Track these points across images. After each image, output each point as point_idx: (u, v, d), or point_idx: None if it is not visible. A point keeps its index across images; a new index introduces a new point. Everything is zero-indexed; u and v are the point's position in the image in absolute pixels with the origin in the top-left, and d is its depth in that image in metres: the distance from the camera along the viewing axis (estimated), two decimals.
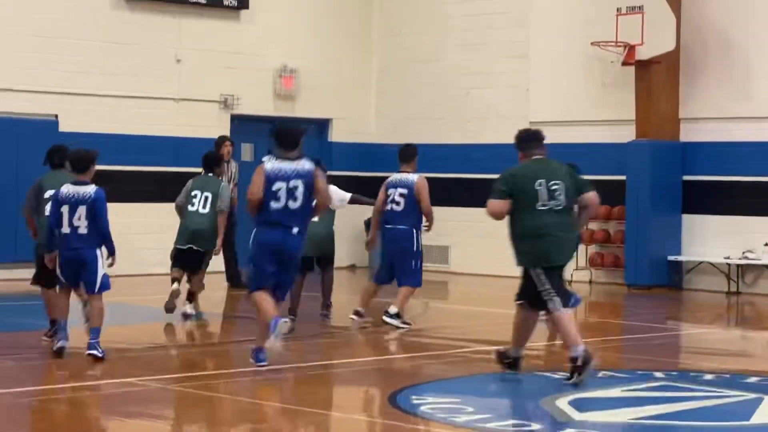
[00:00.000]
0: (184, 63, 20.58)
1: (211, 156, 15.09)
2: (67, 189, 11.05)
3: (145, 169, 20.02)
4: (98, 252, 11.07)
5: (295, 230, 10.71)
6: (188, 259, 14.36)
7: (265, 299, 10.68)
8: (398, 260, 13.77)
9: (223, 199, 14.38)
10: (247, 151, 21.50)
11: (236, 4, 21.08)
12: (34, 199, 11.92)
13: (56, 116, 19.09)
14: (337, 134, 22.51)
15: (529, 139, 10.49)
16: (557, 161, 10.57)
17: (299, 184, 10.74)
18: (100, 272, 11.04)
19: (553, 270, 10.09)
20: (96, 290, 11.04)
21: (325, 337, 13.58)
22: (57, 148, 12.19)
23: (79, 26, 19.35)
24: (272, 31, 21.58)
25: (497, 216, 10.18)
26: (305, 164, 10.90)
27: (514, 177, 10.17)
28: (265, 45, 21.47)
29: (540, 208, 10.04)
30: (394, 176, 13.85)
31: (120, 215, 18.99)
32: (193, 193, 14.38)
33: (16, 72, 18.75)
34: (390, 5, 22.77)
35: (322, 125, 22.51)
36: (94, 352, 10.90)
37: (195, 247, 14.25)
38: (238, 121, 21.31)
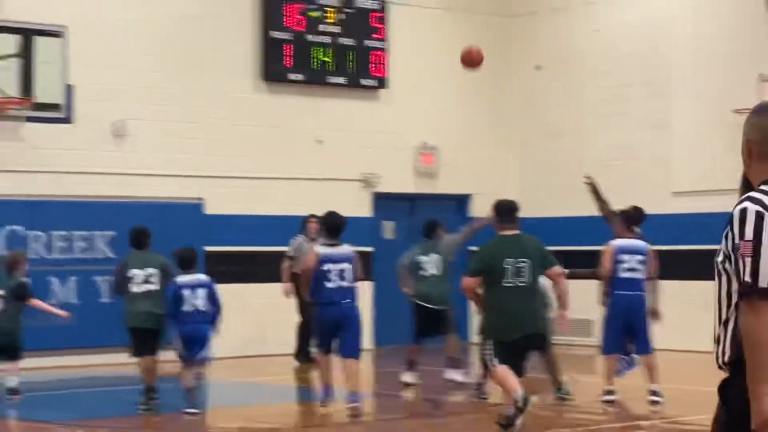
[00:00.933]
0: (325, 143, 20.92)
1: None
2: (182, 278, 12.80)
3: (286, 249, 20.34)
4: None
5: None
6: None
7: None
8: (637, 327, 13.36)
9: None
10: (388, 228, 21.68)
11: (375, 85, 21.40)
12: (120, 277, 13.27)
13: (201, 199, 19.55)
14: (477, 209, 22.56)
15: (505, 212, 11.38)
16: (528, 236, 11.43)
17: None
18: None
19: (512, 343, 10.93)
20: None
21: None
22: (141, 231, 13.66)
23: (222, 110, 19.83)
24: (411, 110, 21.83)
25: (468, 291, 11.26)
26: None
27: (484, 257, 11.24)
28: (405, 123, 21.72)
29: (506, 284, 10.96)
30: (624, 242, 13.56)
31: (265, 296, 19.49)
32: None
33: (162, 157, 19.26)
34: (527, 80, 22.86)
35: (462, 201, 22.60)
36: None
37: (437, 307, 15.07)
38: (379, 199, 21.53)
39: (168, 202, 19.09)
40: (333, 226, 13.01)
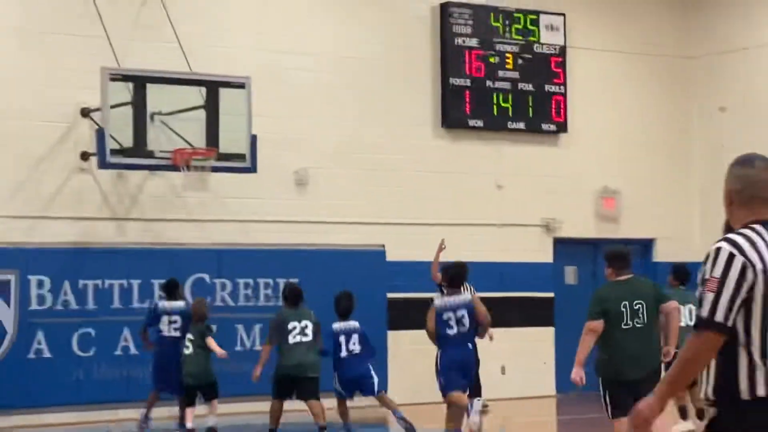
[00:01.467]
0: (505, 189, 20.86)
1: None
2: (338, 325, 14.97)
3: None
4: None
5: None
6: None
7: None
8: None
9: None
10: (570, 274, 21.47)
11: (555, 129, 21.28)
12: (278, 330, 14.95)
13: (383, 246, 19.67)
14: (661, 254, 22.18)
15: (619, 258, 11.53)
16: (642, 278, 11.77)
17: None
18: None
19: (626, 384, 11.01)
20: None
21: None
22: (297, 289, 15.51)
23: (403, 157, 19.96)
24: (592, 154, 21.63)
25: (596, 334, 11.27)
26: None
27: (602, 300, 11.35)
28: (585, 167, 21.51)
29: (624, 327, 11.13)
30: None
31: None
32: None
33: (344, 204, 19.47)
34: (711, 122, 22.43)
35: (646, 245, 22.25)
36: None
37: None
38: (560, 244, 21.35)
39: (350, 249, 19.24)
40: (453, 276, 14.21)
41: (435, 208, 20.21)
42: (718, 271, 4.45)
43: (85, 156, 17.79)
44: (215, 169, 17.52)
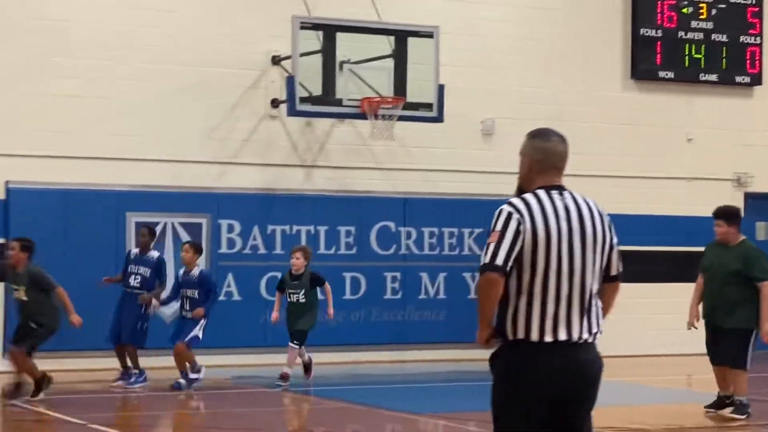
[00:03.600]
0: (695, 142, 20.46)
1: None
2: None
3: (657, 249, 20.02)
4: None
5: None
6: None
7: None
8: None
9: None
10: (761, 229, 20.98)
11: (749, 81, 20.74)
12: None
13: None
14: None
15: None
16: None
17: None
18: None
19: None
20: None
21: None
22: None
23: (590, 109, 19.74)
24: None
25: None
26: None
27: None
28: None
29: None
30: None
31: (632, 296, 19.20)
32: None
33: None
34: None
35: None
36: None
37: None
38: (751, 199, 20.86)
39: None
40: None
41: (622, 160, 19.95)
42: (498, 226, 5.42)
43: (274, 103, 18.10)
44: (402, 118, 17.60)
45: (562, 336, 5.31)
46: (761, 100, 20.90)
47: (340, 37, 17.42)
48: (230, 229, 17.99)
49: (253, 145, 18.16)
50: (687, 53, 20.31)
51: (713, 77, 20.53)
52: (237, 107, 18.04)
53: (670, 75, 20.26)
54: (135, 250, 15.58)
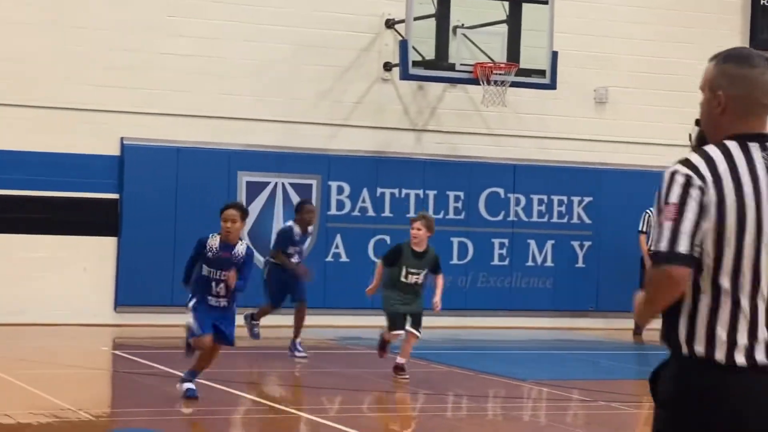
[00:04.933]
0: None
1: None
2: None
3: None
4: None
5: None
6: None
7: None
8: None
9: None
10: None
11: None
12: None
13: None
14: None
15: None
16: None
17: None
18: None
19: None
20: None
21: None
22: None
23: None
24: None
25: None
26: None
27: None
28: None
29: None
30: None
31: None
32: None
33: (644, 126, 19.14)
34: None
35: None
36: None
37: None
38: None
39: (648, 170, 18.87)
40: None
41: None
42: (673, 197, 3.69)
43: (387, 66, 18.14)
44: (514, 85, 17.55)
45: (762, 357, 3.69)
46: None
47: (454, 2, 17.41)
48: (340, 190, 18.10)
49: (365, 107, 18.24)
50: None
51: None
52: (350, 70, 18.11)
53: None
54: (297, 230, 14.32)
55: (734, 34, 19.74)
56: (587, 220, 18.99)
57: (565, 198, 19.08)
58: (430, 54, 17.34)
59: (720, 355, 3.64)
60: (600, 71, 19.11)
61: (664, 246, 3.63)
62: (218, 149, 17.47)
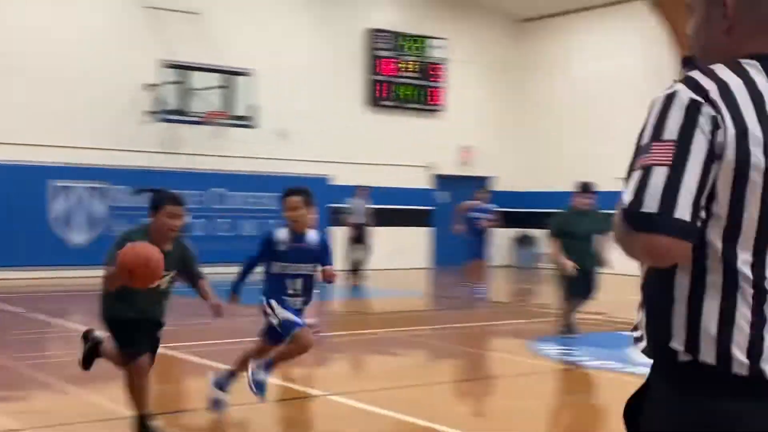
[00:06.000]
0: None
1: None
2: None
3: None
4: None
5: None
6: None
7: None
8: None
9: None
10: None
11: None
12: None
13: None
14: None
15: None
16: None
17: None
18: None
19: None
20: None
21: None
22: None
23: None
24: None
25: None
26: None
27: None
28: None
29: None
30: None
31: None
32: None
33: None
34: None
35: None
36: None
37: None
38: None
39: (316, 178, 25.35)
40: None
41: None
42: (670, 131, 2.44)
43: (149, 112, 23.67)
44: (229, 125, 24.25)
45: None
46: None
47: (191, 73, 23.32)
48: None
49: (141, 139, 23.58)
50: None
51: None
52: (125, 113, 23.28)
53: None
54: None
55: None
56: None
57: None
58: (176, 105, 23.20)
59: (739, 366, 2.45)
60: (284, 117, 25.27)
61: (652, 205, 2.38)
62: None
